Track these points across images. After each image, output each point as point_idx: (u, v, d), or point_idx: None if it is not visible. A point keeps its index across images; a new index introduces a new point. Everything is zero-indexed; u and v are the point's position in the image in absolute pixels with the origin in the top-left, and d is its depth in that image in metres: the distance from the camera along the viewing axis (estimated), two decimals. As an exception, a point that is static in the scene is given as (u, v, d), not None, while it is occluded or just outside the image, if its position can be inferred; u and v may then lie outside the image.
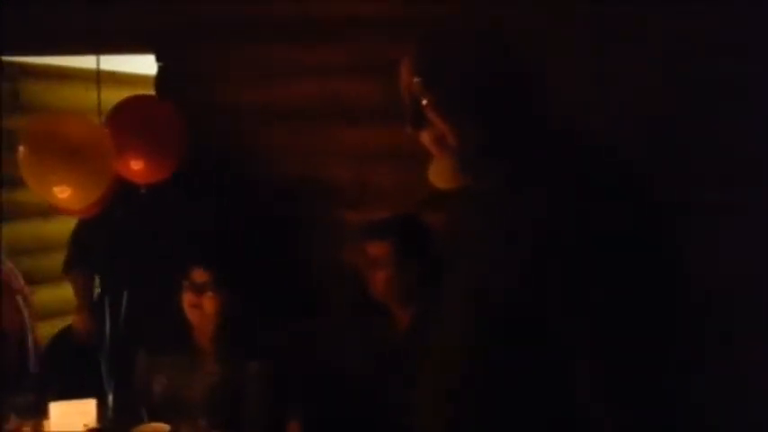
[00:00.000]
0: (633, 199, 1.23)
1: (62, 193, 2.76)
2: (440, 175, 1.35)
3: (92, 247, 3.22)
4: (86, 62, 3.77)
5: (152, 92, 3.31)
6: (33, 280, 3.26)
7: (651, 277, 1.18)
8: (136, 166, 2.90)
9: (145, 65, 3.48)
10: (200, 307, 2.53)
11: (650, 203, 1.24)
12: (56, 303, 3.63)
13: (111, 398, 2.96)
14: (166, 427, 2.39)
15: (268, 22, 3.14)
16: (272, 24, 3.14)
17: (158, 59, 3.27)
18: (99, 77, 3.69)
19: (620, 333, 1.15)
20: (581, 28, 2.85)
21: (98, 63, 3.63)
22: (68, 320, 3.35)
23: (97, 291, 3.31)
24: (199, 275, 2.54)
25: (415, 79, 1.32)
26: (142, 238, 3.07)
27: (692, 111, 2.81)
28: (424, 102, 1.32)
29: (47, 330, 3.37)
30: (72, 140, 2.80)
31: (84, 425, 2.37)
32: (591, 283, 1.16)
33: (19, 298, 2.87)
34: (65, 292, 3.47)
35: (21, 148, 2.80)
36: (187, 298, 2.55)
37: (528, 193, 1.25)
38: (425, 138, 1.35)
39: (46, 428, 2.38)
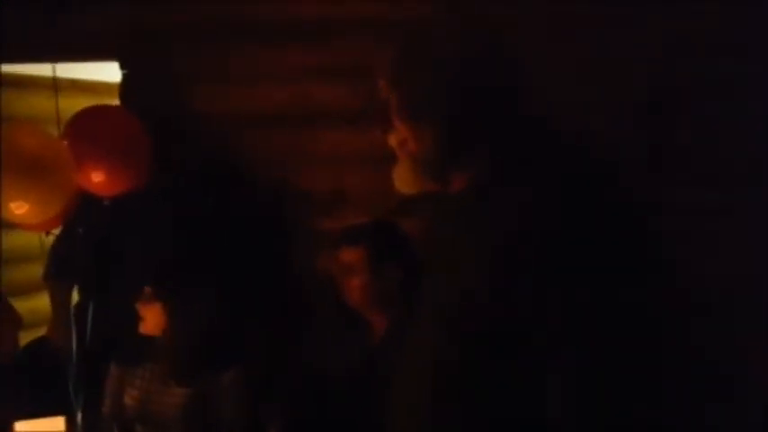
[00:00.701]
0: (611, 202, 1.21)
1: (19, 209, 2.61)
2: (402, 178, 1.34)
3: (69, 258, 3.08)
4: (53, 70, 3.62)
5: (116, 101, 3.15)
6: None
7: (630, 282, 1.16)
8: (97, 178, 2.73)
9: (108, 72, 3.32)
10: (144, 319, 2.41)
11: (629, 205, 1.23)
12: (26, 316, 3.54)
13: (79, 415, 2.84)
14: None
15: (239, 25, 3.04)
16: (244, 27, 3.04)
17: (122, 67, 3.13)
18: (56, 85, 3.53)
19: (602, 337, 1.12)
20: (581, 27, 2.85)
21: (54, 71, 3.48)
22: (36, 333, 3.20)
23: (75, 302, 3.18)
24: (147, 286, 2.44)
25: (382, 80, 1.32)
26: (112, 249, 2.97)
27: (692, 111, 2.82)
28: (390, 103, 1.31)
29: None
30: (28, 153, 2.65)
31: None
32: (562, 288, 1.13)
33: None
34: (33, 305, 3.35)
35: None
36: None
37: (497, 198, 1.23)
38: (392, 140, 1.34)
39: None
